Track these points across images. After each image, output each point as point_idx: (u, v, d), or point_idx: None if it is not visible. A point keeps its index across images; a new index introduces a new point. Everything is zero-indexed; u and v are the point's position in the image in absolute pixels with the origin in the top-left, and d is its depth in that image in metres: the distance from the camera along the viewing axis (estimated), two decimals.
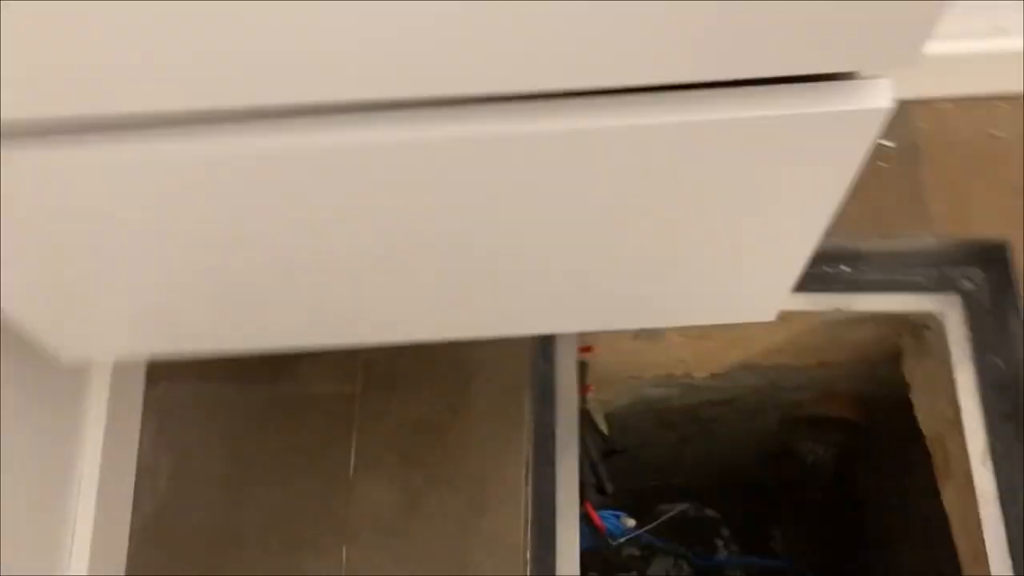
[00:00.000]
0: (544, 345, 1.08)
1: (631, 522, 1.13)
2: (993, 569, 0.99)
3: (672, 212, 0.55)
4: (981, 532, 1.02)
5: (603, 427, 1.37)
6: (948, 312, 1.12)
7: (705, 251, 0.59)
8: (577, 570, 1.00)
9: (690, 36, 0.40)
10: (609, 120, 0.46)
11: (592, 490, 1.10)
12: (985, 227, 1.10)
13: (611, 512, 1.11)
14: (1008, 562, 0.99)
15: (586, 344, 1.19)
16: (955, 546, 1.16)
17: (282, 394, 1.01)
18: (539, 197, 0.53)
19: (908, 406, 1.42)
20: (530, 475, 0.99)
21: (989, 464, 1.04)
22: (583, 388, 1.18)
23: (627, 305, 0.69)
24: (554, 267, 0.63)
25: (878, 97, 0.44)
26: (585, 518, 1.04)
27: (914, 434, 1.47)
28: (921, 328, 1.17)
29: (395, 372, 1.02)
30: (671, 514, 1.26)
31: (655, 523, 1.20)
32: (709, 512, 1.72)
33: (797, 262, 0.62)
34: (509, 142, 0.47)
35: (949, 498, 1.17)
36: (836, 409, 1.53)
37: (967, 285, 1.12)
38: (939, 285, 1.13)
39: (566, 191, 0.53)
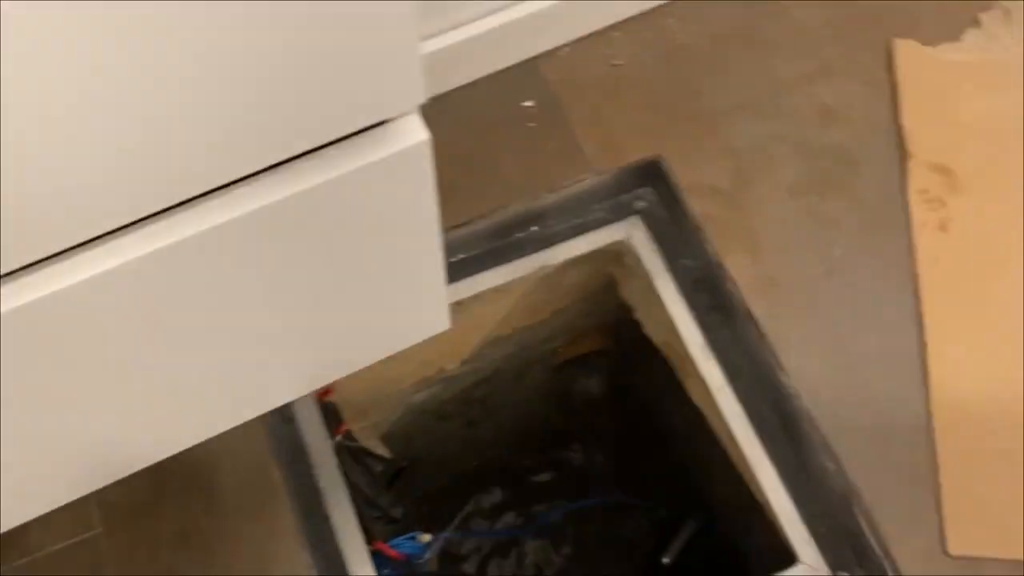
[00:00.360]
0: (279, 409, 1.05)
1: (426, 537, 1.14)
2: (744, 447, 1.08)
3: (296, 285, 0.55)
4: (724, 418, 1.11)
5: (382, 452, 1.37)
6: (633, 234, 1.20)
7: (345, 308, 0.59)
8: None
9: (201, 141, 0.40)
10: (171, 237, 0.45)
11: (381, 524, 1.09)
12: (637, 150, 1.18)
13: (404, 537, 1.11)
14: (753, 435, 1.08)
15: (323, 388, 1.18)
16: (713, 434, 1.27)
17: (16, 570, 0.93)
18: (170, 315, 0.52)
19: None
20: (307, 542, 0.98)
21: (711, 355, 1.13)
22: (336, 430, 1.16)
23: (311, 369, 0.69)
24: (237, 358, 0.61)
25: (411, 133, 0.45)
26: (379, 556, 1.04)
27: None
28: (619, 255, 1.25)
29: (133, 500, 0.96)
30: (468, 511, 1.28)
31: (455, 522, 1.21)
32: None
33: (433, 276, 0.63)
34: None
35: (695, 392, 1.27)
36: (588, 345, 1.61)
37: (641, 205, 1.21)
38: (618, 214, 1.20)
39: (193, 305, 0.51)
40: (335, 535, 1.00)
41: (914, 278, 1.08)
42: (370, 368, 1.29)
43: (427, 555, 1.12)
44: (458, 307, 1.26)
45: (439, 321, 0.72)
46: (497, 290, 1.26)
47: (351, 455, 1.15)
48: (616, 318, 1.61)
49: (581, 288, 1.42)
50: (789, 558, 1.05)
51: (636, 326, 1.55)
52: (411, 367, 1.33)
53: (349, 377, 1.27)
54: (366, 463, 1.21)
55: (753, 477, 1.08)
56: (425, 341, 1.32)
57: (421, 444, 1.66)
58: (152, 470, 0.98)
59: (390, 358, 1.30)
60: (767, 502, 1.06)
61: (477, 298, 1.25)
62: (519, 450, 1.93)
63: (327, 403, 1.13)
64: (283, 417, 1.06)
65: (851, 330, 1.07)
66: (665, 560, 1.76)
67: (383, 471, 1.28)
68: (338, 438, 1.11)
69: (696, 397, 1.27)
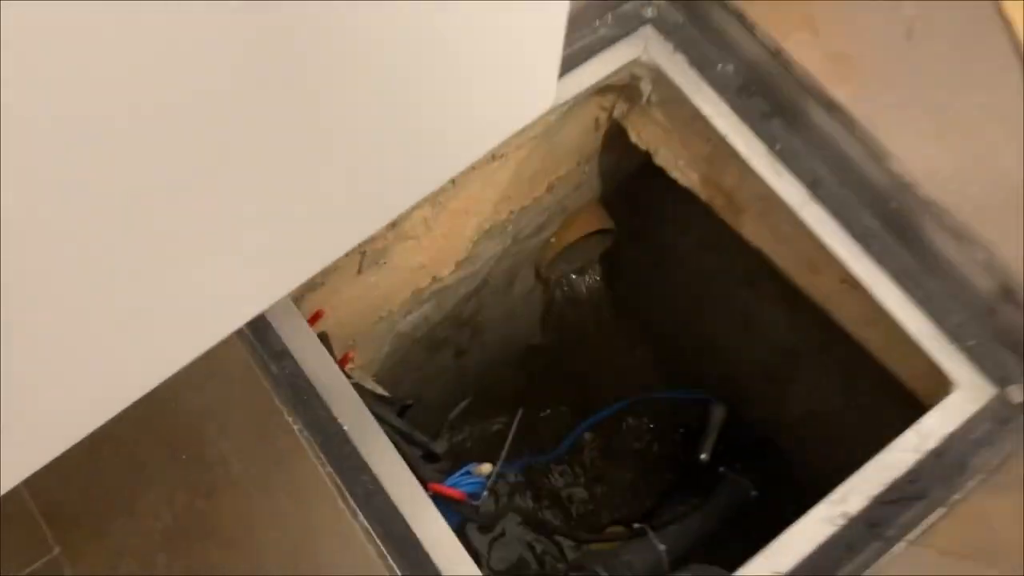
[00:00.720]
0: (265, 347, 0.78)
1: (486, 467, 0.89)
2: (850, 263, 0.87)
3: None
4: (811, 236, 0.89)
5: (381, 391, 1.11)
6: (650, 47, 0.96)
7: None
8: (468, 562, 0.75)
9: None
10: None
11: (423, 465, 0.84)
12: None
13: (459, 473, 0.86)
14: (859, 250, 0.87)
15: (312, 313, 0.91)
16: (772, 269, 1.06)
17: None
18: None
19: (648, 183, 1.30)
20: (347, 496, 0.71)
21: (781, 165, 0.91)
22: (343, 360, 0.90)
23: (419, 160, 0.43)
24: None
25: None
26: (440, 499, 0.79)
27: (670, 200, 1.36)
28: (632, 86, 1.01)
29: (90, 498, 0.68)
30: (514, 425, 1.03)
31: (507, 444, 0.97)
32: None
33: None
34: None
35: (752, 230, 1.05)
36: (583, 228, 1.37)
37: (650, 12, 0.97)
38: (624, 27, 0.96)
39: None
40: (382, 485, 0.75)
41: (1005, 17, 0.88)
42: (361, 281, 1.03)
43: (485, 492, 0.88)
44: (452, 187, 1.00)
45: (547, 92, 0.47)
46: (494, 156, 1.00)
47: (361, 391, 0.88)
48: (622, 182, 1.38)
49: (578, 148, 1.17)
50: (935, 387, 0.85)
51: (650, 182, 1.33)
52: (400, 278, 1.07)
53: (337, 297, 1.00)
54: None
55: (870, 300, 0.87)
56: (423, 240, 1.06)
57: (411, 383, 1.40)
58: (117, 447, 0.71)
59: (382, 266, 1.03)
60: (896, 324, 0.86)
61: (474, 170, 1.00)
62: (517, 373, 1.69)
63: (321, 333, 0.86)
64: (273, 355, 0.79)
65: (951, 95, 0.86)
66: (703, 457, 1.56)
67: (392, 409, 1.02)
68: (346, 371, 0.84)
69: (754, 235, 1.05)
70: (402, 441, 0.82)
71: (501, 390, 1.69)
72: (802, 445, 1.61)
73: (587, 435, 1.62)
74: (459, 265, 1.16)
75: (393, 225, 0.96)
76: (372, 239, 0.95)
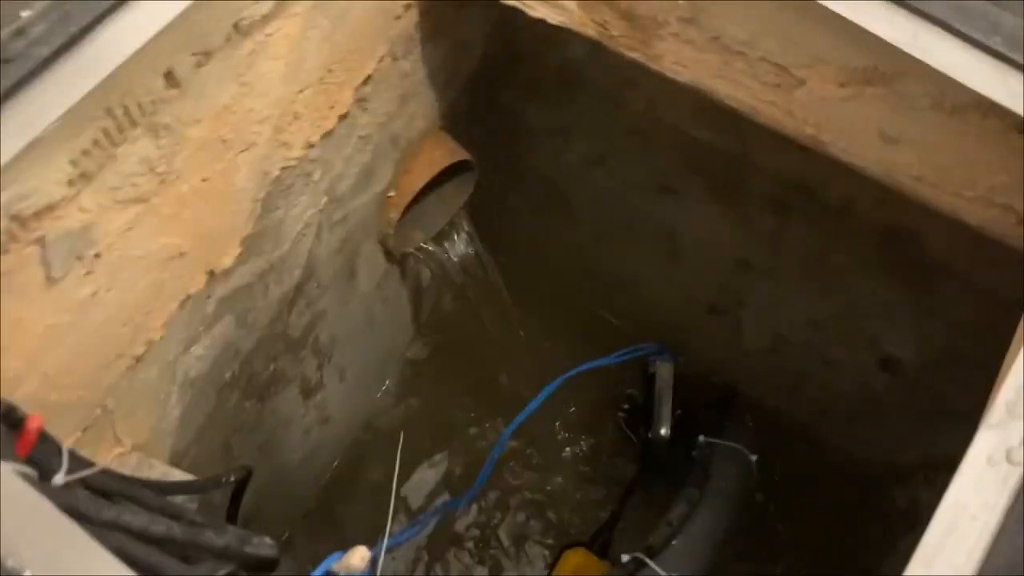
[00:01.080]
0: None
1: (357, 556, 0.48)
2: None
3: None
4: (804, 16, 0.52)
5: (180, 475, 0.68)
6: None
7: None
8: None
9: None
10: None
11: None
12: None
13: None
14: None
15: None
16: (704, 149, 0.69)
17: None
18: None
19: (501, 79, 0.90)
20: None
21: None
22: (22, 443, 0.46)
23: None
24: None
25: None
26: None
27: (537, 101, 0.97)
28: None
29: None
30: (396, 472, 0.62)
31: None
32: None
33: None
34: None
35: (675, 56, 0.67)
36: (429, 168, 0.97)
37: None
38: None
39: None
40: None
41: None
42: (65, 301, 0.57)
43: None
44: (178, 93, 0.57)
45: None
46: (237, 28, 0.58)
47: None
48: (466, 89, 0.98)
49: (383, 31, 0.77)
50: None
51: (504, 78, 0.94)
52: (149, 276, 0.63)
53: (19, 340, 0.55)
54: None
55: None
56: (160, 201, 0.61)
57: (249, 449, 0.95)
58: None
59: (102, 263, 0.58)
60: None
61: (207, 59, 0.57)
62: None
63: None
64: None
65: None
66: (662, 432, 1.18)
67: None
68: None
69: (685, 65, 0.67)
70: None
71: (383, 431, 1.26)
72: (766, 384, 1.25)
73: (512, 444, 1.21)
74: (248, 246, 0.73)
75: (83, 175, 0.52)
76: (51, 206, 0.51)
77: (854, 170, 0.68)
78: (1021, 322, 0.56)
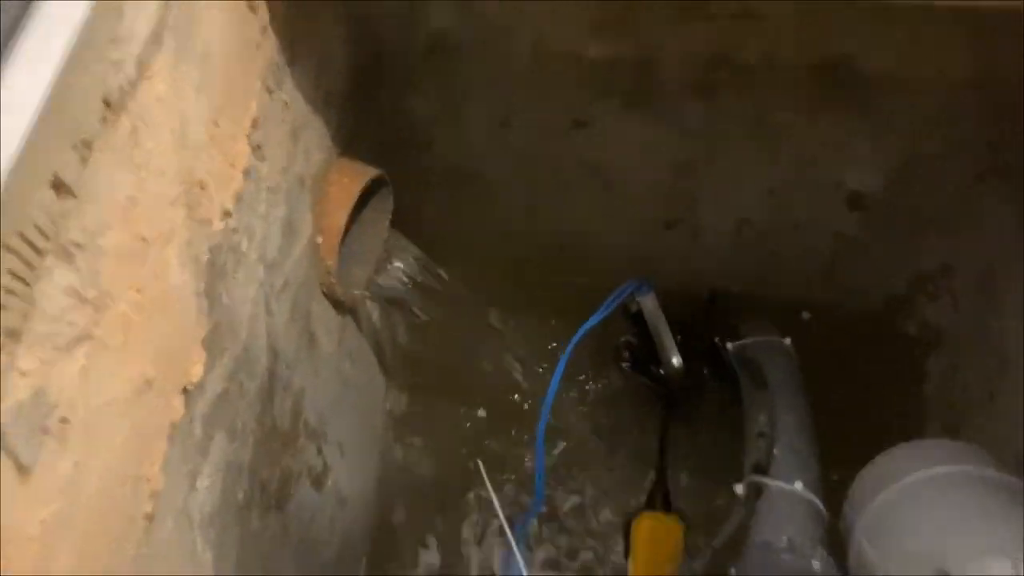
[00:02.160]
0: None
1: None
2: None
3: None
4: None
5: None
6: None
7: None
8: None
9: None
10: None
11: None
12: None
13: None
14: None
15: None
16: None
17: None
18: None
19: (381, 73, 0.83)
20: None
21: None
22: None
23: None
24: None
25: None
26: None
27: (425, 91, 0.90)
28: None
29: None
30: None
31: None
32: None
33: None
34: None
35: None
36: (343, 201, 0.88)
37: None
38: None
39: None
40: None
41: None
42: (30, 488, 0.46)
43: None
44: (75, 201, 0.48)
45: None
46: (108, 104, 0.49)
47: None
48: (350, 97, 0.89)
49: (250, 61, 0.68)
50: None
51: (383, 72, 0.87)
52: (113, 417, 0.53)
53: None
54: None
55: None
56: (103, 330, 0.50)
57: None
58: None
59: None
60: None
61: (94, 151, 0.48)
62: None
63: None
64: None
65: None
66: (675, 363, 1.13)
67: None
68: None
69: None
70: None
71: (399, 486, 1.17)
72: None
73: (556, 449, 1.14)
74: (209, 347, 0.63)
75: (9, 334, 0.43)
76: None
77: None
78: None
